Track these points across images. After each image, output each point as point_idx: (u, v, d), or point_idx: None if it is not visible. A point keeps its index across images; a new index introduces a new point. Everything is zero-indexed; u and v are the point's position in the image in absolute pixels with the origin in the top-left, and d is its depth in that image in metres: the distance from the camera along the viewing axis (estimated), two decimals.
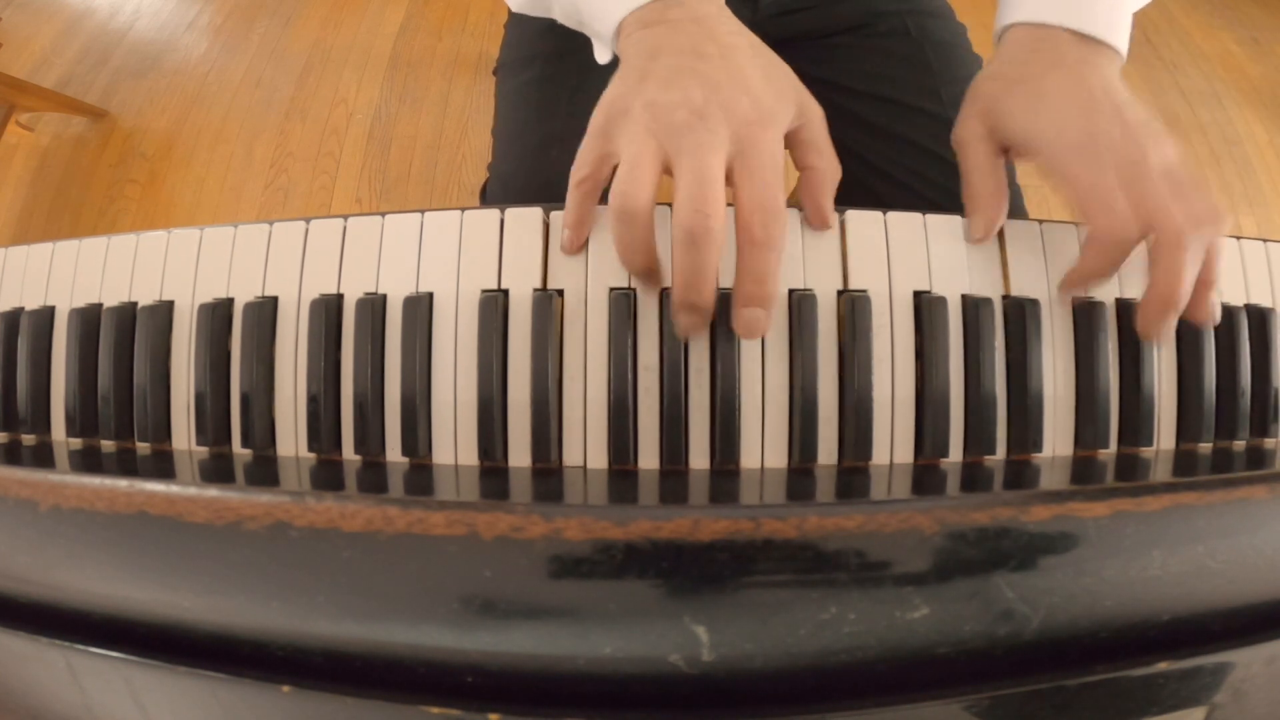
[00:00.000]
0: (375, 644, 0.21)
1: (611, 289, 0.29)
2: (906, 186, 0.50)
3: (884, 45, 0.54)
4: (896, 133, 0.51)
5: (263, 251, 0.31)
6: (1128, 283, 0.31)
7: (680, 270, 0.27)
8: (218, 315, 0.31)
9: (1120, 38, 0.34)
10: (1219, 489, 0.22)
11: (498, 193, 0.52)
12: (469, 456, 0.29)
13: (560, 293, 0.29)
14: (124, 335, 0.32)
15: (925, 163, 0.50)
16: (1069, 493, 0.22)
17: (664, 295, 0.29)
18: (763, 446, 0.29)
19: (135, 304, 0.32)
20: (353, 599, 0.21)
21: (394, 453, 0.29)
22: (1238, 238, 0.33)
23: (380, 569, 0.21)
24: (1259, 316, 0.32)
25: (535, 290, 0.29)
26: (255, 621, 0.21)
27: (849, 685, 0.21)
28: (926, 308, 0.29)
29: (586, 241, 0.30)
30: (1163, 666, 0.21)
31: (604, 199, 0.29)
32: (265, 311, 0.30)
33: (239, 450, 0.31)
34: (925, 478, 0.27)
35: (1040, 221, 0.32)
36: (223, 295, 0.31)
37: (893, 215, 0.31)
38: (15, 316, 0.33)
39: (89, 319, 0.32)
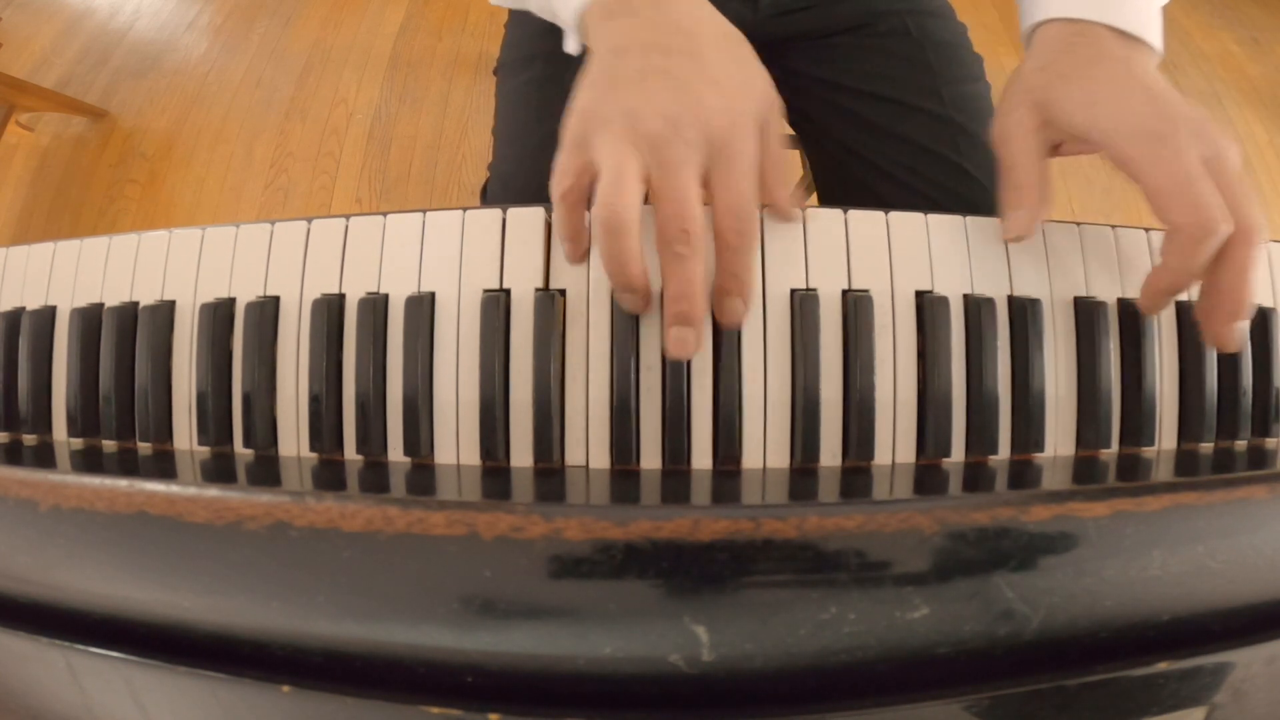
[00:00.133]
0: (375, 644, 0.21)
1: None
2: (907, 186, 0.50)
3: (884, 45, 0.54)
4: (897, 132, 0.51)
5: (264, 251, 0.31)
6: (1129, 283, 0.31)
7: (669, 283, 0.27)
8: (219, 315, 0.31)
9: (1155, 35, 0.33)
10: (1219, 489, 0.22)
11: (498, 193, 0.52)
12: (471, 456, 0.29)
13: (562, 292, 0.29)
14: (125, 335, 0.32)
15: (926, 162, 0.50)
16: (1069, 493, 0.22)
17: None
18: (765, 446, 0.29)
19: (137, 304, 0.32)
20: (353, 599, 0.21)
21: (396, 453, 0.29)
22: None
23: (380, 569, 0.21)
24: (1260, 316, 0.32)
25: (537, 290, 0.29)
26: (255, 621, 0.21)
27: (849, 685, 0.21)
28: (929, 308, 0.29)
29: (589, 249, 0.30)
30: (1163, 666, 0.21)
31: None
32: (267, 311, 0.30)
33: (241, 450, 0.31)
34: (927, 478, 0.27)
35: (1042, 222, 0.32)
36: (224, 295, 0.31)
37: (895, 215, 0.31)
38: (16, 316, 0.33)
39: (90, 319, 0.32)
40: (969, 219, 0.31)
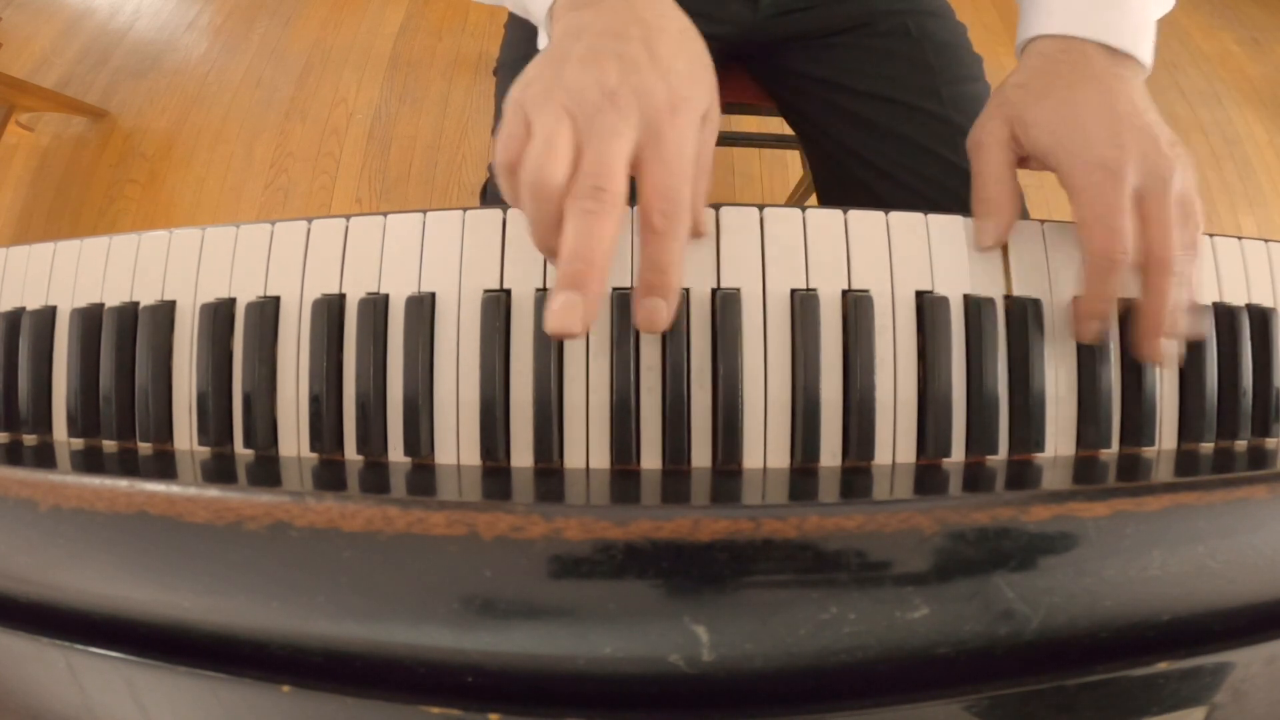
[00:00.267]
0: (375, 644, 0.21)
1: (614, 289, 0.29)
2: (906, 186, 0.50)
3: (884, 45, 0.54)
4: (897, 132, 0.51)
5: (265, 251, 0.31)
6: (1129, 283, 0.31)
7: (569, 239, 0.25)
8: (220, 315, 0.31)
9: (1146, 50, 0.34)
10: (1219, 489, 0.22)
11: (498, 193, 0.52)
12: (471, 456, 0.29)
13: None
14: (125, 335, 0.32)
15: (925, 162, 0.50)
16: (1069, 493, 0.22)
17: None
18: (765, 447, 0.29)
19: (137, 304, 0.32)
20: (353, 599, 0.21)
21: (396, 453, 0.29)
22: (1239, 238, 0.33)
23: (380, 569, 0.21)
24: (1260, 316, 0.32)
25: (538, 290, 0.29)
26: (255, 621, 0.21)
27: (849, 685, 0.21)
28: (929, 308, 0.29)
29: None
30: (1163, 666, 0.21)
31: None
32: (267, 311, 0.30)
33: (241, 450, 0.31)
34: (927, 478, 0.27)
35: (1042, 222, 0.32)
36: (225, 295, 0.31)
37: (895, 215, 0.31)
38: (17, 316, 0.33)
39: (90, 319, 0.32)
40: (969, 219, 0.31)
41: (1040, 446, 0.30)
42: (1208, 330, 0.31)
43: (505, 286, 0.30)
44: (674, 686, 0.20)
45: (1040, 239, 0.32)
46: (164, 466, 0.29)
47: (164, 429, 0.31)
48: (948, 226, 0.31)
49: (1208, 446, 0.31)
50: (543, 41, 0.36)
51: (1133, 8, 0.34)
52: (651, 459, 0.29)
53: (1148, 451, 0.30)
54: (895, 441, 0.29)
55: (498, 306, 0.29)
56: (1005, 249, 0.31)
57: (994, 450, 0.29)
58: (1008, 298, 0.31)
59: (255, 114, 1.38)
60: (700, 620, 0.20)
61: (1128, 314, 0.30)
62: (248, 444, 0.30)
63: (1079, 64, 0.33)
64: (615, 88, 0.27)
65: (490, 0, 0.41)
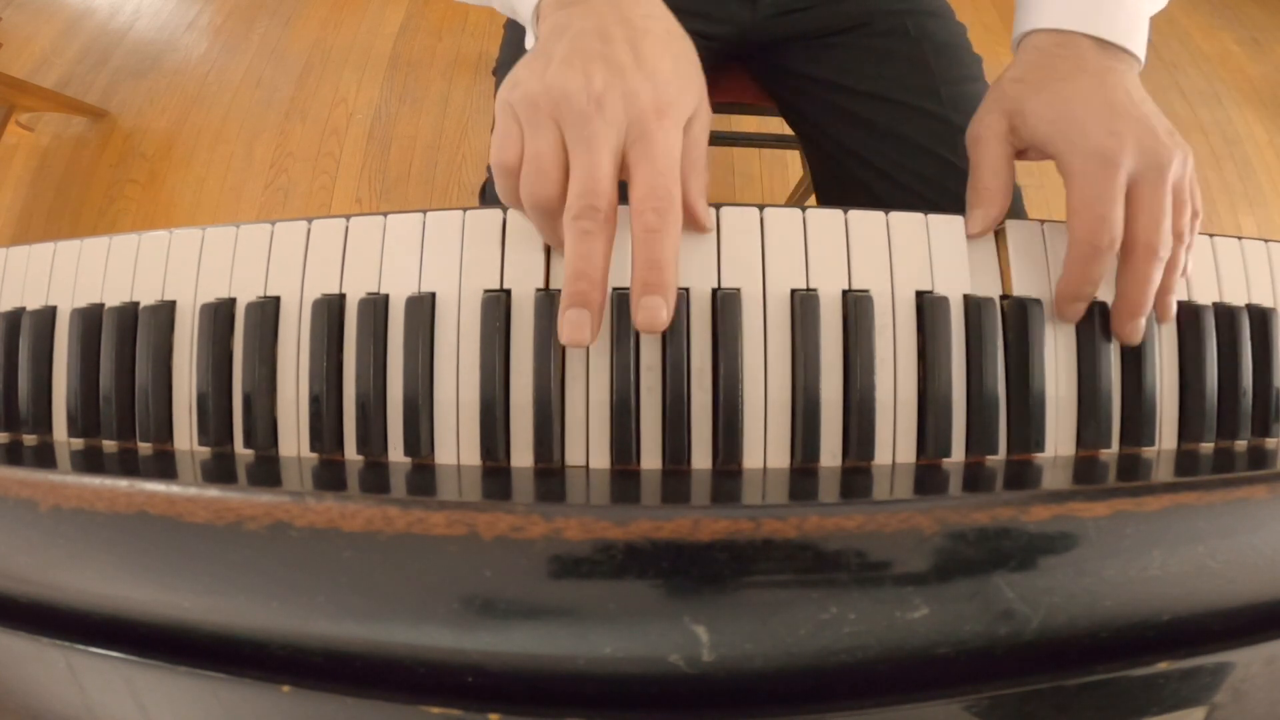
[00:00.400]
0: (375, 644, 0.21)
1: (614, 289, 0.29)
2: (905, 186, 0.50)
3: (883, 45, 0.54)
4: (895, 132, 0.51)
5: (265, 251, 0.31)
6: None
7: (571, 259, 0.26)
8: (220, 315, 0.31)
9: (1139, 44, 0.34)
10: (1219, 489, 0.22)
11: (496, 193, 0.52)
12: (471, 457, 0.29)
13: None
14: (126, 335, 0.32)
15: (924, 162, 0.50)
16: (1069, 493, 0.22)
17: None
18: (765, 447, 0.29)
19: (137, 304, 0.32)
20: (353, 599, 0.21)
21: (396, 453, 0.29)
22: (1239, 238, 0.33)
23: (380, 569, 0.21)
24: (1260, 316, 0.32)
25: (538, 290, 0.29)
26: (255, 621, 0.21)
27: (849, 685, 0.21)
28: (929, 308, 0.29)
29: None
30: (1163, 666, 0.21)
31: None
32: (267, 311, 0.30)
33: (241, 450, 0.31)
34: (927, 478, 0.27)
35: (1041, 222, 0.32)
36: (225, 295, 0.31)
37: (895, 215, 0.31)
38: (17, 316, 0.33)
39: (90, 319, 0.32)
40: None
41: (1040, 446, 0.30)
42: (1206, 325, 0.31)
43: (505, 286, 0.30)
44: (674, 686, 0.20)
45: (1040, 239, 0.32)
46: (164, 466, 0.29)
47: (164, 429, 0.31)
48: (948, 226, 0.31)
49: (1208, 446, 0.31)
50: (530, 42, 0.36)
51: (1126, 2, 0.34)
52: (651, 459, 0.29)
53: (1148, 451, 0.30)
54: (895, 441, 0.29)
55: (498, 306, 0.29)
56: (1005, 249, 0.31)
57: (994, 450, 0.29)
58: (1007, 298, 0.31)
59: (255, 114, 1.38)
60: (700, 620, 0.20)
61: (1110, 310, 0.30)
62: (248, 444, 0.30)
63: (1074, 57, 0.34)
64: (601, 92, 0.27)
65: (480, 2, 0.41)
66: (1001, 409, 0.30)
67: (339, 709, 0.20)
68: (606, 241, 0.27)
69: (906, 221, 0.31)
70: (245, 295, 0.31)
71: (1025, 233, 0.32)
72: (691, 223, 0.30)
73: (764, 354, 0.29)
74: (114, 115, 1.40)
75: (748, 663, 0.20)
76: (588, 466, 0.29)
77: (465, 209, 0.31)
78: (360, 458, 0.30)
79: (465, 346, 0.29)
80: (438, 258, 0.30)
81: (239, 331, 0.31)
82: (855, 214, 0.31)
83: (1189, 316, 0.31)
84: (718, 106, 0.43)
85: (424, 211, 0.31)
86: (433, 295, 0.30)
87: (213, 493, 0.22)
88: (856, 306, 0.29)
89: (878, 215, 0.31)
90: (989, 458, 0.29)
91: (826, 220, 0.31)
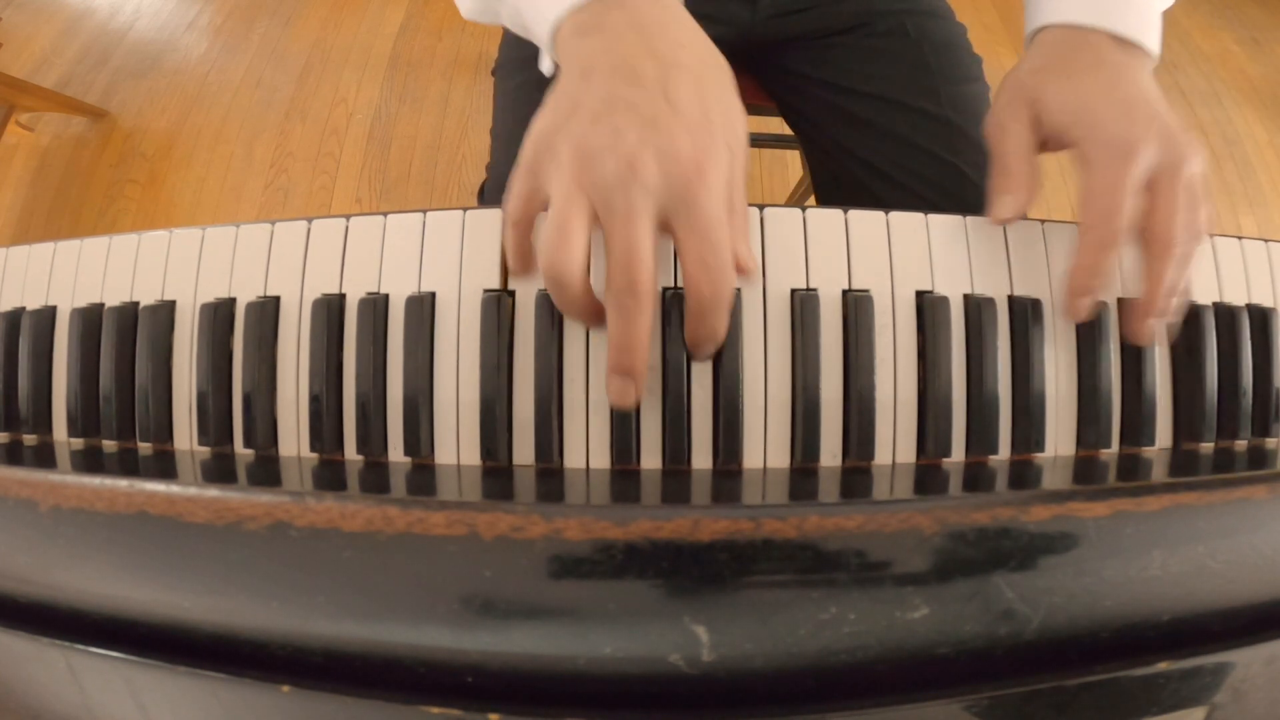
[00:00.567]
0: (375, 644, 0.21)
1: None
2: (905, 187, 0.50)
3: (883, 46, 0.54)
4: (895, 133, 0.51)
5: (265, 251, 0.31)
6: (1130, 283, 0.31)
7: (613, 335, 0.26)
8: (220, 315, 0.31)
9: (1153, 40, 0.34)
10: (1219, 489, 0.22)
11: (496, 193, 0.52)
12: (471, 457, 0.29)
13: None
14: (125, 335, 0.32)
15: (923, 163, 0.50)
16: (1069, 493, 0.22)
17: (665, 294, 0.29)
18: (765, 446, 0.29)
19: (137, 304, 0.32)
20: (353, 599, 0.21)
21: (396, 453, 0.29)
22: (1239, 238, 0.33)
23: (380, 569, 0.21)
24: (1260, 316, 0.32)
25: (538, 290, 0.29)
26: (255, 621, 0.21)
27: (849, 685, 0.21)
28: (929, 308, 0.29)
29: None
30: (1163, 666, 0.21)
31: None
32: (267, 311, 0.30)
33: (241, 450, 0.31)
34: (927, 478, 0.27)
35: (1042, 221, 0.32)
36: (225, 295, 0.31)
37: (895, 215, 0.31)
38: (17, 316, 0.33)
39: (90, 319, 0.32)
40: (969, 219, 0.31)
41: (1040, 446, 0.30)
42: (1208, 326, 0.31)
43: (506, 287, 0.30)
44: (674, 686, 0.20)
45: (1040, 239, 0.32)
46: (164, 466, 0.29)
47: (164, 429, 0.31)
48: (948, 226, 0.31)
49: (1208, 446, 0.31)
50: (545, 65, 0.34)
51: None
52: (651, 459, 0.29)
53: (1148, 451, 0.30)
54: (895, 441, 0.29)
55: (498, 306, 0.29)
56: (1006, 249, 0.31)
57: (994, 450, 0.29)
58: (1008, 298, 0.31)
59: (255, 114, 1.38)
60: (700, 620, 0.20)
61: (1122, 308, 0.30)
62: (248, 444, 0.30)
63: (1089, 51, 0.34)
64: (634, 153, 0.25)
65: (488, 20, 0.40)
66: (1002, 409, 0.30)
67: (339, 709, 0.20)
68: (648, 317, 0.26)
69: (906, 221, 0.31)
70: (245, 295, 0.31)
71: (1026, 233, 0.32)
72: (737, 267, 0.28)
73: (764, 354, 0.29)
74: (114, 115, 1.40)
75: (748, 663, 0.20)
76: (588, 466, 0.29)
77: (465, 209, 0.31)
78: (360, 458, 0.30)
79: (465, 346, 0.29)
80: (438, 258, 0.30)
81: (239, 331, 0.31)
82: (855, 214, 0.31)
83: (1189, 316, 0.31)
84: None
85: (424, 211, 0.31)
86: (433, 295, 0.30)
87: (213, 493, 0.22)
88: (856, 306, 0.29)
89: (878, 215, 0.31)
90: (989, 458, 0.29)
91: (826, 220, 0.31)
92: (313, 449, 0.30)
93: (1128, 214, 0.29)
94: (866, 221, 0.31)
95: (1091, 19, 0.34)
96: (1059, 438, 0.30)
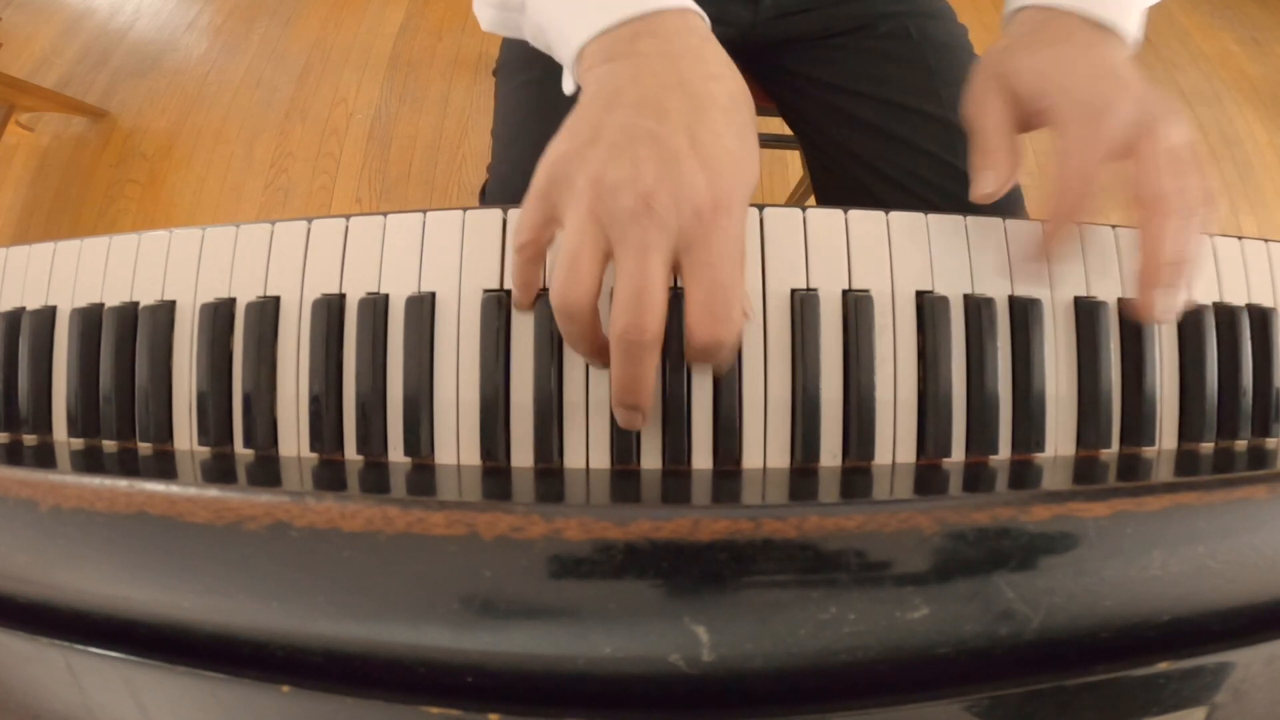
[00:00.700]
0: (375, 644, 0.21)
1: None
2: (905, 188, 0.50)
3: (884, 47, 0.54)
4: (896, 135, 0.51)
5: (265, 251, 0.31)
6: (1129, 283, 0.31)
7: (617, 376, 0.26)
8: (220, 315, 0.31)
9: (1130, 24, 0.33)
10: (1219, 489, 0.22)
11: (497, 193, 0.52)
12: (471, 457, 0.29)
13: None
14: (125, 335, 0.32)
15: (924, 165, 0.50)
16: (1069, 493, 0.22)
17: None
18: (765, 446, 0.29)
19: (137, 304, 0.32)
20: (353, 599, 0.21)
21: (396, 453, 0.29)
22: (1239, 238, 0.33)
23: (380, 569, 0.21)
24: (1260, 316, 0.32)
25: (538, 290, 0.29)
26: (255, 621, 0.21)
27: (849, 685, 0.21)
28: (929, 307, 0.29)
29: (537, 299, 0.29)
30: (1163, 666, 0.21)
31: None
32: (267, 311, 0.30)
33: (241, 450, 0.31)
34: (927, 478, 0.27)
35: (1042, 222, 0.32)
36: (225, 295, 0.31)
37: (895, 215, 0.31)
38: (16, 316, 0.33)
39: (90, 319, 0.32)
40: (969, 219, 0.31)
41: (1040, 446, 0.30)
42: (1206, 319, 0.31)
43: (505, 287, 0.30)
44: (674, 687, 0.20)
45: (1041, 239, 0.31)
46: (164, 466, 0.29)
47: (164, 429, 0.31)
48: (948, 226, 0.31)
49: (1208, 446, 0.31)
50: (568, 85, 0.33)
51: None
52: (651, 459, 0.29)
53: (1148, 451, 0.30)
54: (895, 441, 0.29)
55: (498, 306, 0.29)
56: (1007, 249, 0.31)
57: (994, 450, 0.29)
58: (1008, 298, 0.31)
59: (255, 114, 1.38)
60: (700, 620, 0.20)
61: (1122, 307, 0.30)
62: (248, 444, 0.30)
63: (1060, 27, 0.33)
64: (651, 189, 0.25)
65: (509, 33, 0.39)
66: (1002, 409, 0.30)
67: (339, 709, 0.20)
68: (653, 359, 0.25)
69: (907, 221, 0.31)
70: (245, 295, 0.31)
71: (1025, 233, 0.31)
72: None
73: (764, 354, 0.29)
74: (114, 115, 1.40)
75: (748, 663, 0.20)
76: (588, 466, 0.29)
77: (465, 209, 0.31)
78: (360, 458, 0.30)
79: (465, 346, 0.29)
80: (438, 258, 0.30)
81: (239, 331, 0.31)
82: (855, 214, 0.31)
83: (1189, 316, 0.31)
84: None
85: (424, 211, 0.31)
86: (433, 295, 0.30)
87: (213, 493, 0.22)
88: (856, 306, 0.29)
89: (878, 215, 0.31)
90: (989, 458, 0.29)
91: (826, 220, 0.31)
92: (313, 449, 0.30)
93: (1099, 176, 0.28)
94: (866, 221, 0.31)
95: (1067, 2, 0.33)
96: (1059, 438, 0.30)
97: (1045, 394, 0.30)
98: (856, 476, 0.28)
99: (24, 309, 0.34)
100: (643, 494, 0.26)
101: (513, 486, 0.27)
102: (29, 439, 0.33)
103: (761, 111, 0.69)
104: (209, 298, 0.31)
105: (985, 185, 0.31)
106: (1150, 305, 0.28)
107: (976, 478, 0.27)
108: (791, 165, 1.29)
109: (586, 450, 0.29)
